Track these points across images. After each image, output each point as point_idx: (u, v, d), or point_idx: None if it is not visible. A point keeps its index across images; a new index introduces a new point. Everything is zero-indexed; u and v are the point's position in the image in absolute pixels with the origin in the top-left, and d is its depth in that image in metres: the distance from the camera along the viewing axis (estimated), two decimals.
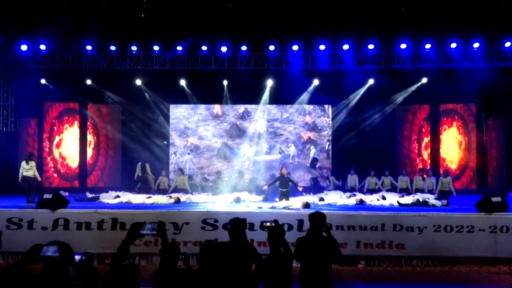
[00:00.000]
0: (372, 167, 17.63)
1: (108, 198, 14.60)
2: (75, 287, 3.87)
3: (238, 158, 20.55)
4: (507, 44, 17.88)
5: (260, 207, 12.43)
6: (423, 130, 20.36)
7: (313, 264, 5.62)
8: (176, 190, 16.74)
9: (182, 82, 19.75)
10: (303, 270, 5.68)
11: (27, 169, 13.88)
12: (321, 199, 14.25)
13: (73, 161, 20.06)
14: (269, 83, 19.61)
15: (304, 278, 5.64)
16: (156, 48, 18.49)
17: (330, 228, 10.34)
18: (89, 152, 20.31)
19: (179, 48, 18.49)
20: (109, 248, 10.18)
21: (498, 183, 19.22)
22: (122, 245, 4.56)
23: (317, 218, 5.83)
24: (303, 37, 18.32)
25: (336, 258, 5.82)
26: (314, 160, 18.69)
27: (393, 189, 16.76)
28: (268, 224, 5.47)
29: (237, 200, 13.83)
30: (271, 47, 18.32)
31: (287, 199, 13.44)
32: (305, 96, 20.09)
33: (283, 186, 13.96)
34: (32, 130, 19.67)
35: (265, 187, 14.92)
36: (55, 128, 19.93)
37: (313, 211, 6.11)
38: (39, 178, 14.34)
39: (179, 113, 20.91)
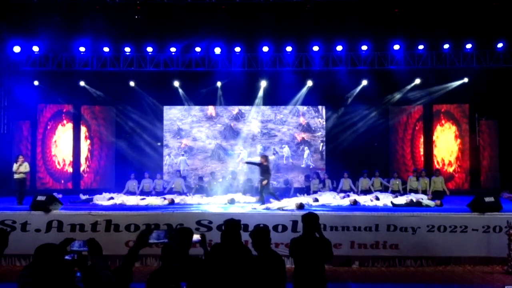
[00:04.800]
0: (366, 168, 17.73)
1: (102, 199, 14.58)
2: (103, 276, 4.11)
3: (232, 160, 20.52)
4: (500, 45, 17.98)
5: (255, 208, 12.43)
6: (417, 130, 20.43)
7: (306, 265, 5.63)
8: (171, 191, 16.76)
9: (176, 84, 19.74)
10: (296, 270, 5.69)
11: (15, 170, 13.87)
12: (315, 200, 14.30)
13: (67, 163, 20.00)
14: (263, 84, 19.63)
15: (297, 278, 5.65)
16: (149, 49, 18.44)
17: (324, 229, 10.50)
18: (83, 153, 20.25)
19: (173, 49, 18.45)
20: (103, 250, 10.14)
21: (491, 183, 19.32)
22: (129, 254, 4.51)
23: (310, 219, 5.84)
24: (296, 38, 18.31)
25: (327, 259, 5.83)
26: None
27: (384, 189, 16.85)
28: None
29: (231, 202, 13.84)
30: (265, 48, 18.30)
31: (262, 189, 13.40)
32: (298, 97, 20.11)
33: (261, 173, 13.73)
34: (26, 132, 19.61)
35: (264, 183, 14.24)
36: (49, 130, 19.87)
37: (307, 212, 6.13)
38: (22, 173, 13.95)
39: (172, 114, 20.88)
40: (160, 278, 5.01)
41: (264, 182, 13.34)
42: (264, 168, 13.46)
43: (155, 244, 4.67)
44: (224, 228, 5.64)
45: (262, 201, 13.19)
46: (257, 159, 16.25)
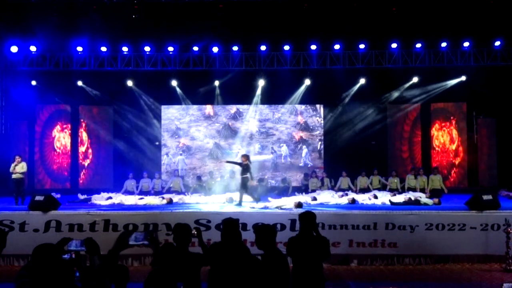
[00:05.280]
0: (364, 167, 17.73)
1: (100, 199, 14.57)
2: (101, 274, 4.23)
3: (230, 159, 20.48)
4: (497, 43, 18.00)
5: (253, 207, 12.43)
6: (415, 129, 20.45)
7: (304, 263, 5.62)
8: (169, 191, 16.75)
9: (174, 83, 19.72)
10: (294, 269, 5.69)
11: (11, 171, 13.86)
12: (314, 199, 14.29)
13: (65, 163, 19.98)
14: (261, 83, 19.62)
15: (295, 277, 5.64)
16: (147, 49, 18.42)
17: (322, 227, 10.52)
18: (81, 153, 20.24)
19: (170, 48, 18.44)
20: (102, 250, 10.10)
21: (489, 181, 19.35)
22: (109, 255, 4.50)
23: (307, 217, 5.83)
24: (294, 37, 18.31)
25: (324, 257, 5.82)
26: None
27: (382, 188, 16.85)
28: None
29: (230, 201, 13.84)
30: (263, 47, 18.32)
31: (244, 187, 13.37)
32: (296, 96, 20.11)
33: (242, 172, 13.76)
34: (23, 132, 19.59)
35: (253, 182, 14.57)
36: (47, 130, 19.86)
37: (304, 210, 6.12)
38: (18, 173, 13.98)
39: (170, 114, 20.86)
40: (157, 279, 5.01)
41: (253, 182, 13.43)
42: (245, 168, 13.45)
43: (134, 245, 4.66)
44: (223, 227, 5.64)
45: (257, 199, 13.23)
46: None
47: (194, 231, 5.55)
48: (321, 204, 13.62)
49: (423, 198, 13.75)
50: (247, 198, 14.73)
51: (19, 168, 13.81)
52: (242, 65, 18.82)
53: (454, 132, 20.02)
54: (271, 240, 5.38)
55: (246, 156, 13.82)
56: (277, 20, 17.40)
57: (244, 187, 13.33)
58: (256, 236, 5.40)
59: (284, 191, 17.49)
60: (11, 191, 14.31)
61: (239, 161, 14.15)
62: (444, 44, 18.23)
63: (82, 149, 20.31)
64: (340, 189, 16.88)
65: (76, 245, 4.69)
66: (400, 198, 13.82)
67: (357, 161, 18.69)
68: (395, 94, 20.17)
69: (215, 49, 18.38)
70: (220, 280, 5.19)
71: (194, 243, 5.77)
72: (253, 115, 20.74)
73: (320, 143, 20.71)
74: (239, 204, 13.09)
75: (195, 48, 18.45)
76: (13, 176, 13.81)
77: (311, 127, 20.76)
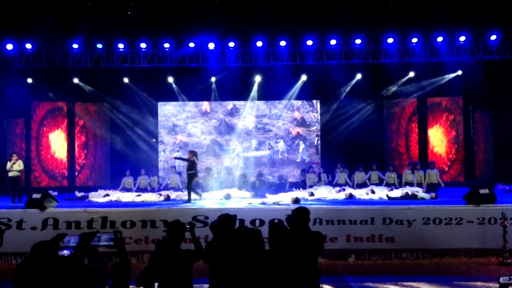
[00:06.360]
0: (361, 162, 17.73)
1: (98, 196, 14.58)
2: (98, 269, 4.20)
3: (227, 155, 20.51)
4: (493, 37, 18.00)
5: (250, 203, 12.45)
6: (411, 123, 20.47)
7: (298, 259, 5.59)
8: (166, 187, 16.75)
9: (170, 80, 19.68)
10: (288, 264, 5.67)
11: (8, 169, 13.83)
12: (311, 194, 14.31)
13: (62, 161, 19.95)
14: (257, 79, 19.60)
15: (289, 272, 5.62)
16: (143, 45, 18.38)
17: (320, 223, 10.55)
18: (78, 151, 20.21)
19: (166, 45, 18.40)
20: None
21: (485, 175, 19.38)
22: (71, 257, 4.44)
23: (301, 213, 5.81)
24: (290, 33, 18.30)
25: (318, 253, 5.80)
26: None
27: (380, 183, 16.87)
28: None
29: (227, 197, 13.84)
30: (259, 43, 18.27)
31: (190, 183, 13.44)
32: (293, 91, 20.09)
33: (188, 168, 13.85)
34: (20, 130, 19.56)
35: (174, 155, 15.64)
36: (43, 128, 19.82)
37: (298, 206, 6.11)
38: (15, 171, 14.01)
39: (167, 110, 20.84)
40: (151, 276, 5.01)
41: (196, 179, 13.61)
42: (191, 164, 13.55)
43: (98, 246, 4.62)
44: (219, 224, 5.63)
45: (189, 199, 13.18)
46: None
47: (187, 225, 5.55)
48: (319, 200, 13.66)
49: (420, 192, 13.79)
50: (246, 194, 14.79)
51: (16, 166, 13.80)
52: (239, 61, 18.78)
53: (451, 127, 20.04)
54: (283, 237, 5.38)
55: (192, 153, 13.99)
56: (273, 15, 17.39)
57: (190, 183, 13.40)
58: (269, 234, 5.38)
59: (281, 187, 17.50)
60: (7, 189, 14.28)
61: (186, 157, 14.20)
62: (440, 39, 18.20)
63: (78, 146, 20.26)
64: (337, 185, 16.88)
65: (69, 241, 4.66)
66: (397, 192, 13.85)
67: (354, 156, 18.69)
68: (392, 89, 20.15)
69: (211, 45, 18.34)
70: (222, 277, 5.18)
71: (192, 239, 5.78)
72: (250, 111, 20.71)
73: (317, 138, 20.71)
74: (189, 201, 13.07)
75: (191, 45, 18.41)
76: (10, 174, 13.79)
77: (308, 123, 20.76)
